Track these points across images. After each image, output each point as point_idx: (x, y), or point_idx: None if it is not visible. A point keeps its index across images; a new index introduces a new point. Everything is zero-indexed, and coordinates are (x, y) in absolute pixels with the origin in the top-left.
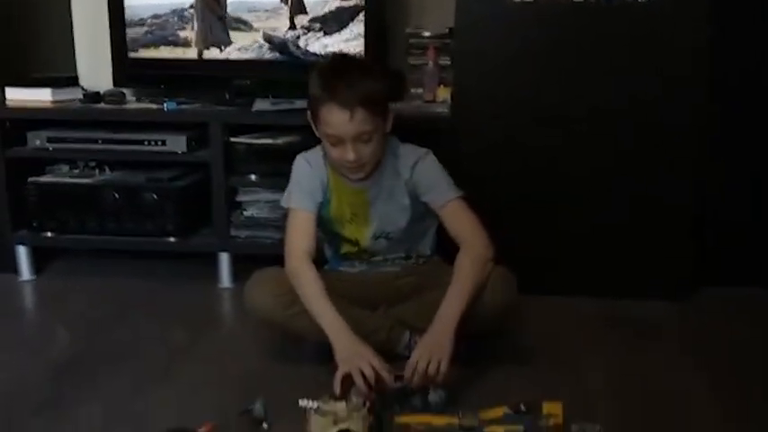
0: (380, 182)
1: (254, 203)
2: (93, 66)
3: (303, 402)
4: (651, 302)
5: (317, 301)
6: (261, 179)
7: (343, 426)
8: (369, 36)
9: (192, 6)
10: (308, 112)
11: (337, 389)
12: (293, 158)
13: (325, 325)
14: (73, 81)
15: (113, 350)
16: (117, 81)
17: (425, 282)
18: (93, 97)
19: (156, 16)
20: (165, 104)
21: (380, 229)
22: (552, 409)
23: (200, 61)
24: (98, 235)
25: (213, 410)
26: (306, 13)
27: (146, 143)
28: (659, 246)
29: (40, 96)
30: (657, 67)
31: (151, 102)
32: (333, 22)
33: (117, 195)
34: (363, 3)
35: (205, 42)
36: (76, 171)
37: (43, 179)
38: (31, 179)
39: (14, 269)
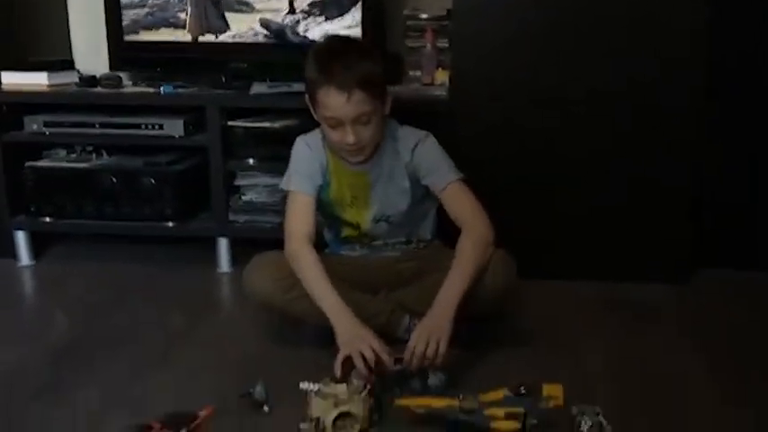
0: (380, 164)
1: (253, 188)
2: (89, 49)
3: (304, 385)
4: (650, 285)
5: (318, 284)
6: (259, 163)
7: (343, 408)
8: (366, 18)
9: None
10: (306, 96)
11: (338, 372)
12: (291, 142)
13: (326, 308)
14: (69, 65)
15: (112, 335)
16: (113, 65)
17: (426, 266)
18: (90, 81)
19: None
20: (161, 88)
21: (381, 212)
22: (552, 392)
23: (197, 44)
24: (96, 220)
25: (212, 394)
26: None
27: (143, 127)
28: (658, 228)
29: (37, 80)
30: (655, 49)
31: (147, 85)
32: (333, 6)
33: (114, 180)
34: None
35: (200, 29)
36: (73, 155)
37: (40, 164)
38: (28, 164)
39: (13, 254)
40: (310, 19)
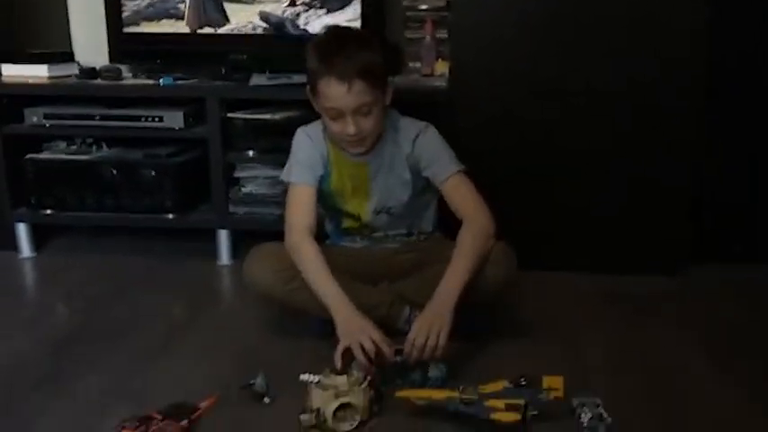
0: (381, 156)
1: (253, 179)
2: (89, 41)
3: (304, 376)
4: (650, 279)
5: (319, 275)
6: (259, 155)
7: (344, 399)
8: (366, 11)
9: None
10: (307, 87)
11: (338, 363)
12: (291, 134)
13: (326, 299)
14: (68, 57)
15: (112, 326)
16: (113, 57)
17: (426, 258)
18: (89, 73)
19: None
20: (161, 80)
21: (381, 203)
22: (553, 383)
23: (196, 36)
24: (96, 212)
25: (212, 386)
26: None
27: (143, 119)
28: (657, 228)
29: (37, 72)
30: (655, 49)
31: (147, 77)
32: None
33: (115, 172)
34: None
35: (198, 21)
36: (74, 148)
37: (41, 156)
38: (28, 156)
39: (14, 246)
40: (311, 12)
